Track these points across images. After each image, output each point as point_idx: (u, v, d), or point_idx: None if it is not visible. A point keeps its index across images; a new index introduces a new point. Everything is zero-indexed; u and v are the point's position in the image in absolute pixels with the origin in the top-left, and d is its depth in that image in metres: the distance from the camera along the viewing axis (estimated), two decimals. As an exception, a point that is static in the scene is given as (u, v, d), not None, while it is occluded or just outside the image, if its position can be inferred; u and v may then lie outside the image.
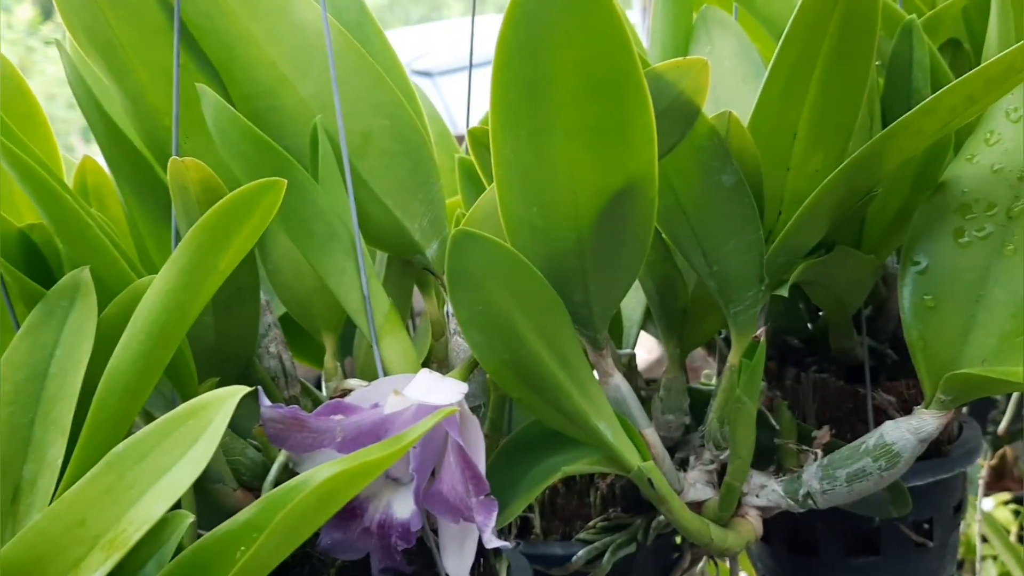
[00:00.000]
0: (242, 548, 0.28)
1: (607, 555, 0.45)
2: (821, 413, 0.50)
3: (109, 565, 0.26)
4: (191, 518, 0.29)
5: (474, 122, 0.55)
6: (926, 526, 0.51)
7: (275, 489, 0.28)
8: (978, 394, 0.40)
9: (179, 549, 0.29)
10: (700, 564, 0.51)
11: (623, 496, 0.48)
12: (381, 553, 0.34)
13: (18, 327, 0.32)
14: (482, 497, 0.31)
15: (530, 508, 0.48)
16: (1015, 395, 0.69)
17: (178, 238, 0.36)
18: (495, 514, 0.31)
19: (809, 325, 0.54)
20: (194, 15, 0.36)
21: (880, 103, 0.45)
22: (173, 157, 0.33)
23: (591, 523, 0.47)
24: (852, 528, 0.50)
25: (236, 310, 0.37)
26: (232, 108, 0.34)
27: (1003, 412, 0.71)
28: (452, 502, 0.32)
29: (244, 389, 0.27)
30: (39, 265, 0.33)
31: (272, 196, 0.31)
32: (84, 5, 0.35)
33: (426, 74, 2.71)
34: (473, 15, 0.57)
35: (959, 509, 0.52)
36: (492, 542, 0.31)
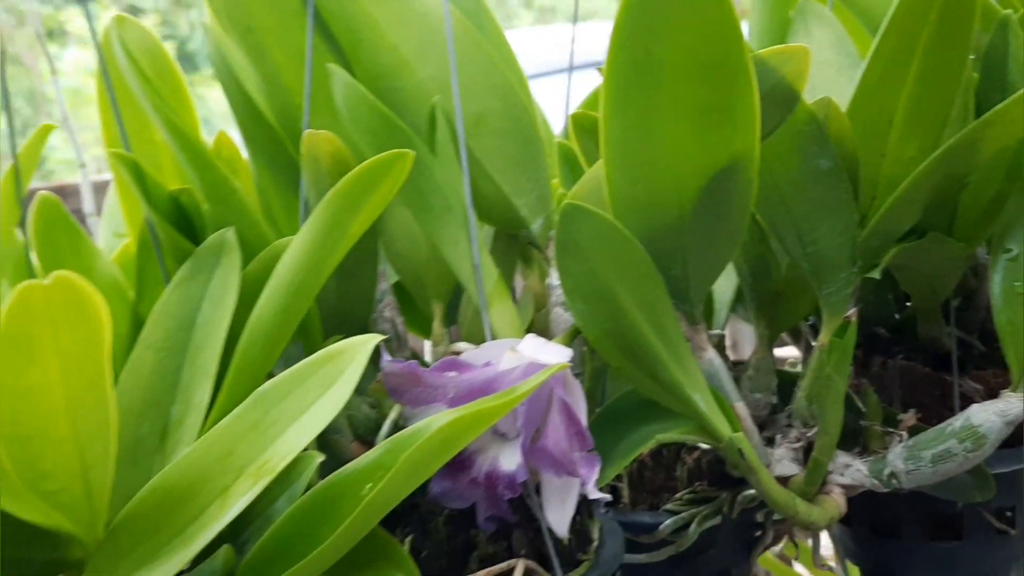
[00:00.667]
0: (369, 485, 0.30)
1: (693, 525, 0.47)
2: (907, 399, 0.51)
3: (256, 490, 0.29)
4: (321, 457, 0.32)
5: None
6: (1008, 514, 0.51)
7: (398, 433, 0.31)
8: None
9: (307, 488, 0.32)
10: (781, 543, 0.52)
11: (709, 471, 0.50)
12: (487, 502, 0.36)
13: (168, 281, 0.35)
14: (586, 452, 0.34)
15: (619, 478, 0.51)
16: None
17: (306, 206, 0.39)
18: (598, 468, 0.33)
19: (897, 315, 0.55)
20: (325, 1, 0.39)
21: (975, 95, 0.46)
22: (308, 130, 0.36)
23: (678, 495, 0.49)
24: (935, 512, 0.51)
25: (357, 275, 0.39)
26: (361, 87, 0.37)
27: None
28: (556, 457, 0.35)
29: (377, 337, 0.30)
30: (186, 226, 0.36)
31: (400, 167, 0.34)
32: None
33: None
34: (575, 20, 0.59)
35: (1044, 499, 0.53)
36: (594, 494, 0.33)
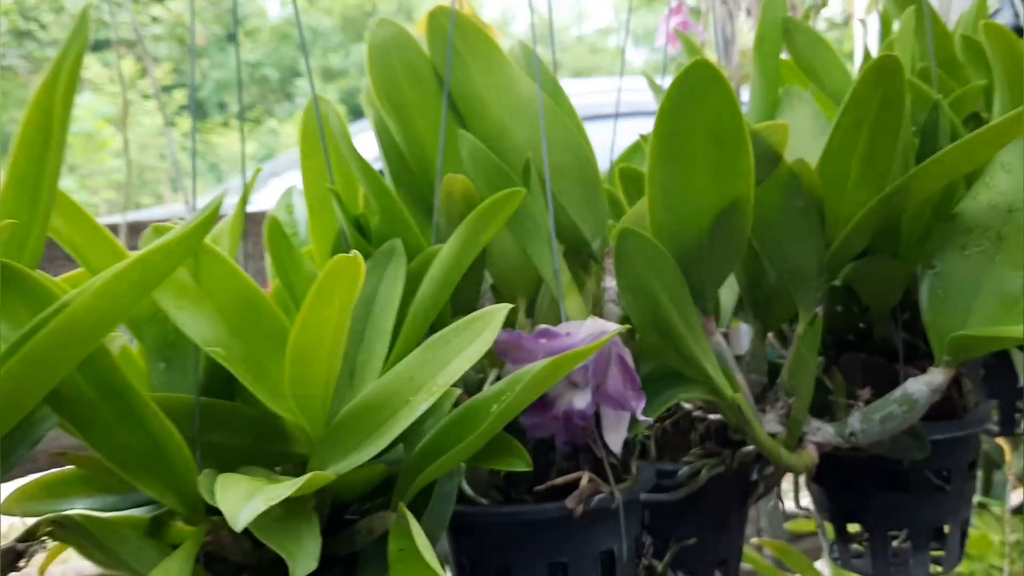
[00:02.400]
0: (495, 406, 0.47)
1: (703, 471, 0.63)
2: (866, 383, 0.67)
3: (431, 401, 0.45)
4: (460, 391, 0.48)
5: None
6: (944, 474, 0.67)
7: (512, 374, 0.47)
8: (971, 353, 0.57)
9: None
10: (772, 492, 0.68)
11: (715, 434, 0.66)
12: (565, 432, 0.52)
13: (352, 274, 0.52)
14: (636, 391, 0.50)
15: (647, 439, 0.67)
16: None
17: (437, 228, 0.56)
18: (644, 400, 0.50)
19: (861, 324, 0.72)
20: (454, 84, 0.56)
21: (915, 157, 0.63)
22: (448, 174, 0.53)
23: (692, 451, 0.65)
24: (887, 470, 0.67)
25: (469, 275, 0.56)
26: (481, 145, 0.54)
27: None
28: (615, 397, 0.51)
29: (508, 306, 0.46)
30: (365, 236, 0.53)
31: (512, 202, 0.51)
32: (389, 78, 0.56)
33: None
34: (621, 74, 0.76)
35: (972, 465, 0.69)
36: (642, 418, 0.50)
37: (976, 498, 1.15)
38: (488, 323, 0.46)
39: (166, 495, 0.43)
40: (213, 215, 0.41)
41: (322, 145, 0.52)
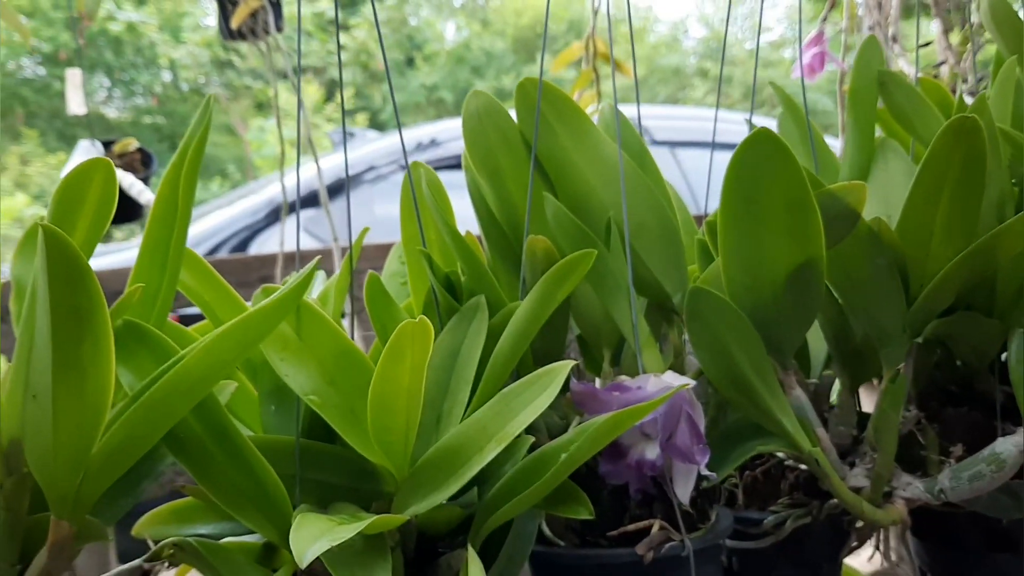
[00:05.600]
0: (564, 453, 0.50)
1: (789, 521, 0.64)
2: (963, 439, 0.66)
3: (499, 448, 0.48)
4: (532, 439, 0.52)
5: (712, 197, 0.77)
6: (1050, 534, 0.65)
7: (581, 424, 0.51)
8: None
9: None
10: (865, 545, 0.68)
11: (804, 485, 0.67)
12: (636, 480, 0.55)
13: (443, 326, 0.56)
14: (702, 446, 0.52)
15: (735, 487, 0.68)
16: None
17: (523, 282, 0.60)
18: (708, 455, 0.52)
19: (963, 379, 0.70)
20: (542, 149, 0.60)
21: (1014, 209, 0.62)
22: (530, 235, 0.57)
23: (780, 500, 0.66)
24: (989, 528, 0.65)
25: (556, 328, 0.60)
26: (564, 208, 0.58)
27: None
28: (683, 449, 0.53)
29: (571, 363, 0.50)
30: (452, 292, 0.58)
31: (587, 261, 0.54)
32: (482, 145, 0.60)
33: (667, 144, 3.17)
34: (717, 104, 0.78)
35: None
36: (704, 471, 0.52)
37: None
38: (553, 378, 0.49)
39: (265, 527, 0.48)
40: (308, 280, 0.47)
41: (414, 211, 0.57)
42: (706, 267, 0.64)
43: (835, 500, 0.65)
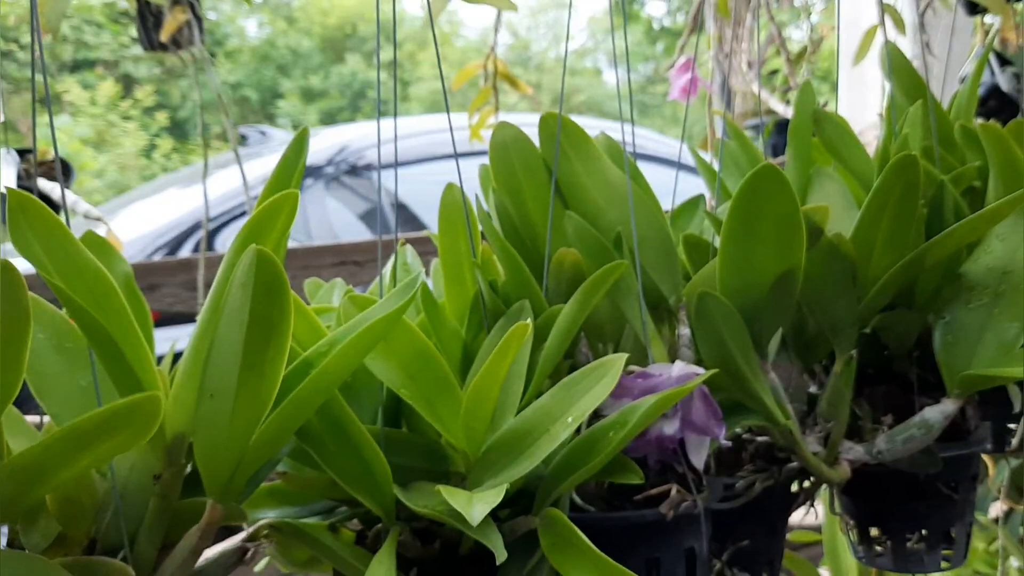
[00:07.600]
0: (612, 431, 0.60)
1: (756, 484, 0.77)
2: (888, 410, 0.81)
3: (569, 431, 0.58)
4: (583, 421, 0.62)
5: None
6: (953, 485, 0.81)
7: (624, 408, 0.61)
8: (976, 388, 0.71)
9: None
10: (810, 501, 0.81)
11: (763, 453, 0.80)
12: (657, 452, 0.66)
13: (488, 329, 0.65)
14: (719, 420, 0.64)
15: (708, 458, 0.80)
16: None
17: (546, 289, 0.69)
18: (725, 428, 0.63)
19: (881, 362, 0.85)
20: (560, 173, 0.70)
21: (925, 227, 0.77)
22: (561, 248, 0.67)
23: (745, 467, 0.78)
24: (906, 482, 0.81)
25: (574, 328, 0.70)
26: (586, 223, 0.68)
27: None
28: (699, 424, 0.64)
29: (625, 356, 0.60)
30: (498, 298, 0.67)
31: (617, 271, 0.64)
32: (507, 170, 0.69)
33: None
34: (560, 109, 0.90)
35: (975, 478, 0.83)
36: (723, 442, 0.63)
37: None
38: (609, 369, 0.59)
39: (372, 504, 0.56)
40: (409, 302, 0.55)
41: (462, 224, 0.65)
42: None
43: (791, 464, 0.78)
